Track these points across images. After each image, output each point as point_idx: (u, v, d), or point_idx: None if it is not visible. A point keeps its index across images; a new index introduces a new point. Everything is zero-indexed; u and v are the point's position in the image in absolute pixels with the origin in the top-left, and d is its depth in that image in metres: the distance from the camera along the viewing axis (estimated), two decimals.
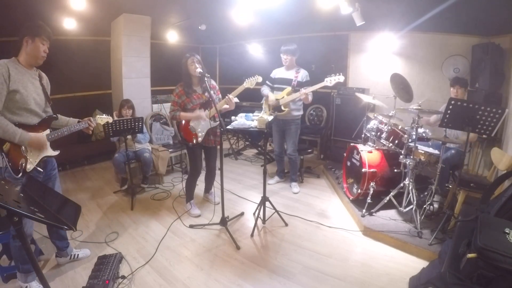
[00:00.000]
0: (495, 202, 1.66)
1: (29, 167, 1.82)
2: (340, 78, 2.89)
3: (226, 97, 2.64)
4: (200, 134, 2.77)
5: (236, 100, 2.67)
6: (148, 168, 3.58)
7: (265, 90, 3.45)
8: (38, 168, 1.88)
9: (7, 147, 1.75)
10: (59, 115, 2.07)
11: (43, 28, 1.82)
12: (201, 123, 2.76)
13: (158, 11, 4.35)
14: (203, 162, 3.15)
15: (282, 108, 3.27)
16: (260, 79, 2.67)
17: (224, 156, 3.22)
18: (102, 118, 2.30)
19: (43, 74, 1.99)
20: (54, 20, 3.93)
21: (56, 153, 2.02)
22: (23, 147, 1.81)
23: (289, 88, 3.27)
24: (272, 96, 3.33)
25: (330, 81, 2.92)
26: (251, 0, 3.77)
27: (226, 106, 2.66)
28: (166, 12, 4.56)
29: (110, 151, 3.96)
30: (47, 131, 1.95)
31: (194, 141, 2.77)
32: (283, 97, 3.27)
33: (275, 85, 3.43)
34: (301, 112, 3.46)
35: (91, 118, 2.12)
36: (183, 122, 2.79)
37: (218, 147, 2.76)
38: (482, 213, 1.56)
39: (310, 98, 3.14)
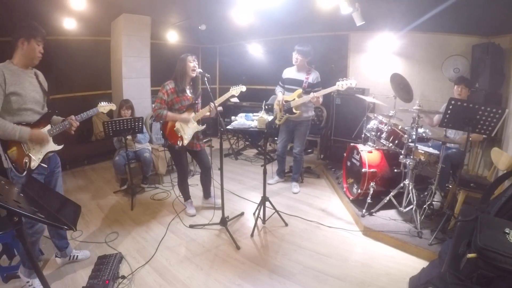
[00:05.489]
0: (495, 202, 1.66)
1: (33, 164, 1.83)
2: (352, 82, 2.87)
3: (210, 104, 2.60)
4: (186, 137, 2.70)
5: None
6: (148, 168, 3.58)
7: (278, 91, 3.42)
8: (43, 165, 1.88)
9: (13, 152, 1.76)
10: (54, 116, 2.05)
11: (38, 29, 1.83)
12: (188, 126, 2.72)
13: (158, 11, 4.35)
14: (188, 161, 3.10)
15: (294, 110, 3.23)
16: (244, 88, 2.70)
17: (224, 156, 3.21)
18: (105, 107, 2.23)
19: (39, 72, 1.99)
20: (54, 20, 3.93)
21: (59, 147, 2.02)
22: (24, 145, 1.81)
23: (300, 90, 3.22)
24: (281, 97, 3.29)
25: (342, 85, 2.90)
26: (251, 0, 3.77)
27: (207, 113, 2.67)
28: (166, 12, 4.56)
29: (110, 151, 3.95)
30: (48, 127, 1.95)
31: (180, 144, 2.69)
32: (294, 99, 3.23)
33: (286, 86, 3.38)
34: (312, 113, 3.42)
35: (73, 116, 2.03)
36: (168, 122, 2.70)
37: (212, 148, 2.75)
38: (482, 213, 1.56)
39: (321, 100, 3.11)
